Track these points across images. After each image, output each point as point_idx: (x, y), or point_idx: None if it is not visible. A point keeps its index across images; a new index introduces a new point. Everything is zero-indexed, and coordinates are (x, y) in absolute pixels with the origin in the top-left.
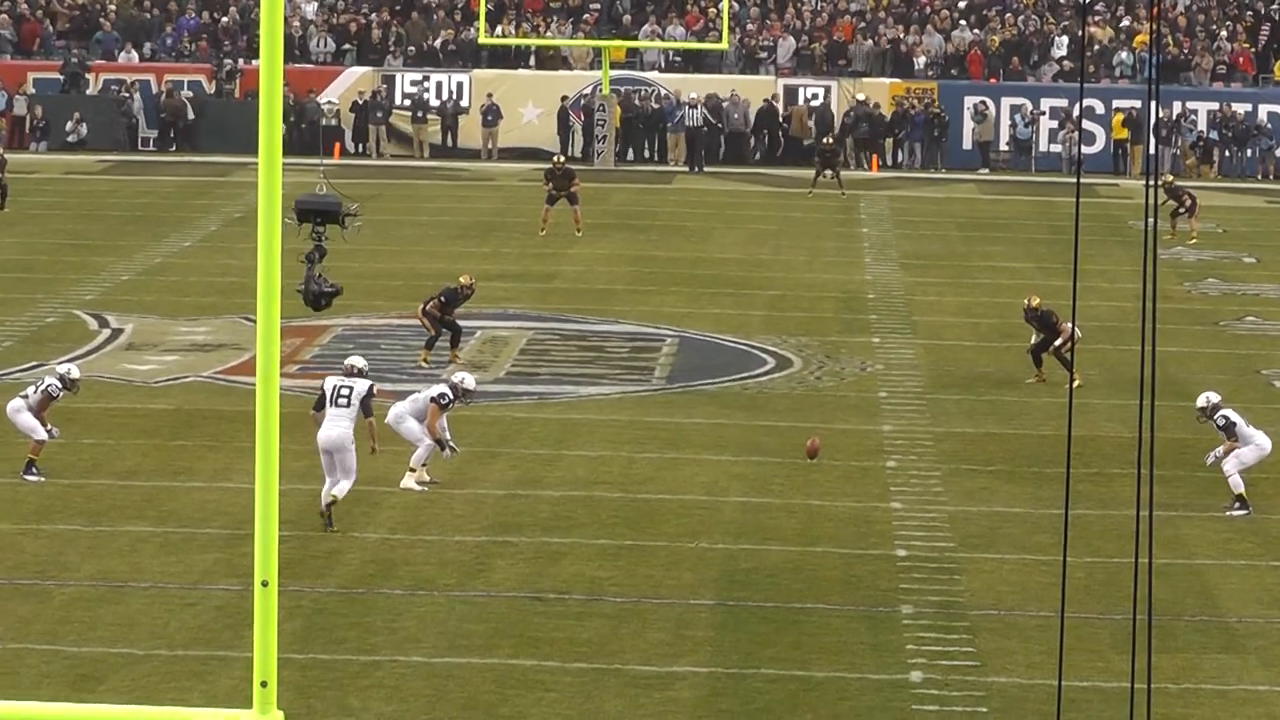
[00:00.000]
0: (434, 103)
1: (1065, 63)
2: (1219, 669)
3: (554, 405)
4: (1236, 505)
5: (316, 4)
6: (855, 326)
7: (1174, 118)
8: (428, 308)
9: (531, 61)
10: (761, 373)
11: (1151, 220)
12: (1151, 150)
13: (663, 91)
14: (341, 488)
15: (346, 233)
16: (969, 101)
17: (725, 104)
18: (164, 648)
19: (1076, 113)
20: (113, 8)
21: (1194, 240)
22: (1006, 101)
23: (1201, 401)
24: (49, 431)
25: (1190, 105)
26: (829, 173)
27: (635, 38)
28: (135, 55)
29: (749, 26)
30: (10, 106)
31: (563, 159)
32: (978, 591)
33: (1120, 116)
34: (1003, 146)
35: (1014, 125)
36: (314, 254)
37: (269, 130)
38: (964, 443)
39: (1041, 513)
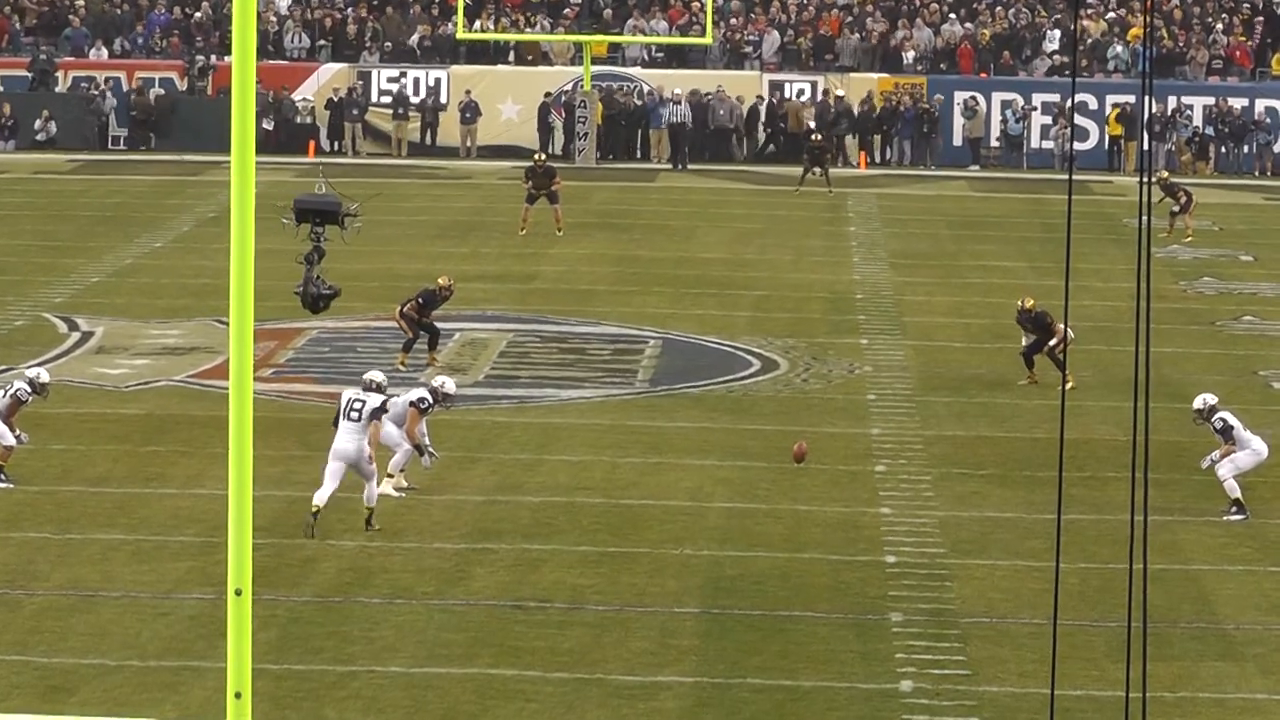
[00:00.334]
0: (414, 100)
1: (1057, 57)
2: (1216, 677)
3: (534, 409)
4: (1233, 509)
5: None
6: (843, 327)
7: (1169, 113)
8: (405, 309)
9: (511, 57)
10: (747, 375)
11: (1146, 218)
12: (1146, 146)
13: (645, 88)
14: (370, 494)
15: (346, 234)
16: (959, 97)
17: (710, 100)
18: (136, 658)
19: (1070, 108)
20: (82, 4)
21: (1190, 238)
22: (997, 97)
23: (1198, 404)
24: (17, 437)
25: (1186, 100)
26: (816, 170)
27: (619, 33)
28: (105, 52)
29: (733, 21)
30: None
31: (543, 157)
32: (969, 598)
33: (1115, 112)
34: (994, 143)
35: (1005, 121)
36: (312, 255)
37: (241, 128)
38: (955, 446)
39: (1034, 517)
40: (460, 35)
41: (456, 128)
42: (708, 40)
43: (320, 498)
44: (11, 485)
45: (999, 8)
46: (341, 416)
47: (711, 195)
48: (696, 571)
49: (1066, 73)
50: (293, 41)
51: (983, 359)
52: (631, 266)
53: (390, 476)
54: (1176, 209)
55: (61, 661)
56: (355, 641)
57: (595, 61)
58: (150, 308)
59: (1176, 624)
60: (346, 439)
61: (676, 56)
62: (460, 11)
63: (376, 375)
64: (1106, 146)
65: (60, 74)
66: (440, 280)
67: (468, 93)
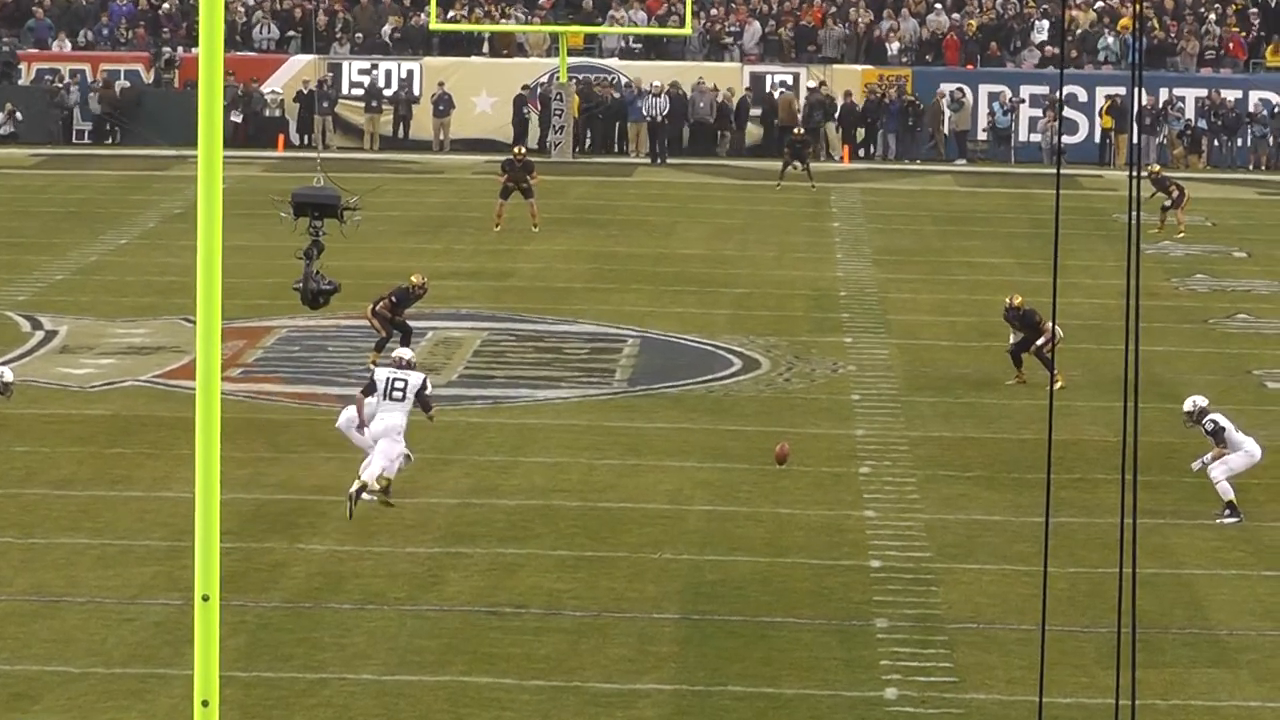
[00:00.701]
0: (386, 92)
1: (1047, 48)
2: (1209, 684)
3: (509, 409)
4: (1227, 512)
5: None
6: (826, 326)
7: (1160, 105)
8: (378, 308)
9: (485, 48)
10: (727, 374)
11: (1136, 213)
12: (1135, 139)
13: (623, 79)
14: (391, 467)
15: (345, 228)
16: (945, 89)
17: (691, 93)
18: (101, 665)
19: (1059, 100)
20: None
21: (1182, 234)
22: (984, 89)
23: (1188, 406)
24: None
25: (1177, 92)
26: (797, 164)
27: (598, 23)
28: (69, 44)
29: (713, 11)
30: None
31: (523, 151)
32: (955, 604)
33: (1107, 104)
34: (981, 136)
35: (993, 114)
36: (312, 250)
37: (209, 122)
38: (941, 447)
39: (1022, 521)
40: (433, 26)
41: (429, 121)
42: (687, 31)
43: (369, 475)
44: None
45: None
46: (383, 395)
47: (691, 190)
48: (676, 576)
49: (1056, 64)
50: (262, 32)
51: (969, 358)
52: (609, 263)
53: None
54: (1169, 203)
55: (24, 669)
56: (326, 648)
57: (572, 53)
58: (116, 306)
59: (1168, 630)
60: (387, 416)
61: (655, 48)
62: (433, 2)
63: (405, 353)
64: (1098, 140)
65: (23, 66)
66: (413, 278)
67: (441, 85)
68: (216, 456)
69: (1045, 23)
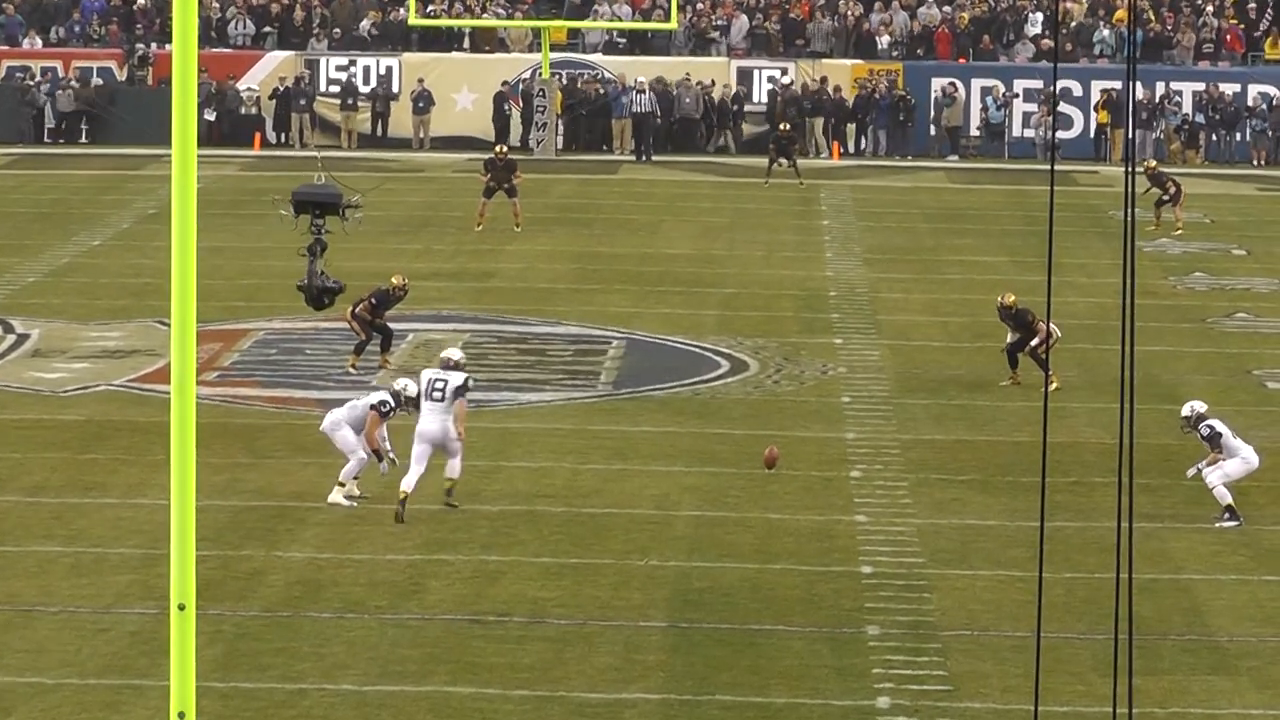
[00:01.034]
0: (364, 89)
1: (1041, 41)
2: (1209, 691)
3: (492, 413)
4: (1226, 516)
5: None
6: (816, 326)
7: (1157, 99)
8: (357, 310)
9: (466, 44)
10: (715, 377)
11: (1131, 210)
12: (1131, 134)
13: (607, 75)
14: (453, 467)
15: (347, 225)
16: (936, 83)
17: (676, 89)
18: (75, 676)
19: (1053, 95)
20: None
21: (1179, 231)
22: (977, 83)
23: (1185, 411)
24: None
25: (1174, 86)
26: (783, 161)
27: (583, 17)
28: (39, 41)
29: (699, 5)
30: None
31: (505, 149)
32: (949, 610)
33: (1102, 98)
34: (973, 131)
35: (985, 109)
36: (315, 248)
37: (183, 120)
38: (933, 451)
39: (1017, 525)
40: (412, 21)
41: (409, 118)
42: (672, 25)
43: (408, 484)
44: None
45: None
46: (424, 397)
47: (677, 188)
48: (663, 583)
49: (1048, 59)
50: (237, 28)
51: (962, 359)
52: (593, 263)
53: (341, 485)
54: (1166, 199)
55: None
56: (305, 658)
57: (554, 48)
58: (89, 309)
59: (1166, 636)
60: (431, 419)
61: (640, 43)
62: None
63: (454, 353)
64: (1093, 135)
65: None
66: (393, 279)
67: (420, 81)
68: (192, 462)
69: (1039, 15)
